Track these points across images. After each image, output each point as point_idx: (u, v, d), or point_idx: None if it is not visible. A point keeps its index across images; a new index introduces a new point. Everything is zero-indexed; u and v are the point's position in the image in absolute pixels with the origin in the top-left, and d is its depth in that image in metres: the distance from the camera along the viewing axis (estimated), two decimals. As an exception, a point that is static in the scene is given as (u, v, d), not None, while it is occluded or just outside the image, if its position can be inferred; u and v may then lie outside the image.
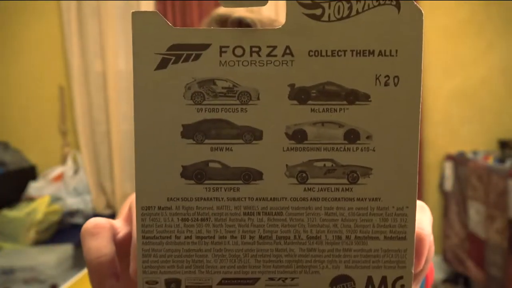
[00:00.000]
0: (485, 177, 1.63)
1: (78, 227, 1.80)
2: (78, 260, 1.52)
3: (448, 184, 1.93)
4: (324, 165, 0.17)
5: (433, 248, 0.20)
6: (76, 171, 1.99)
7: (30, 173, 1.98)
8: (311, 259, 0.17)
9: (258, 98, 0.17)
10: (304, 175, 0.17)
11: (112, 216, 2.05)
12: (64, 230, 1.78)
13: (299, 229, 0.17)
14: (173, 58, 0.16)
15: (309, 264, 0.17)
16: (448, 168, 1.94)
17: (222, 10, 0.52)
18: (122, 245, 0.21)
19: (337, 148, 0.17)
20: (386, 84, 0.17)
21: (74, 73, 2.02)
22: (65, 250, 1.52)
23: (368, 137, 0.17)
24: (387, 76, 0.17)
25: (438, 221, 2.08)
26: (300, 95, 0.16)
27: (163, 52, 0.16)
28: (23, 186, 1.85)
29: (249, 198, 0.17)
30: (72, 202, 1.83)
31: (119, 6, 2.02)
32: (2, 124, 2.09)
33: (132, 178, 2.03)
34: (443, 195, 2.01)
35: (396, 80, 0.17)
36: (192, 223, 0.17)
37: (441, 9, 2.02)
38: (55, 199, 1.79)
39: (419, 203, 0.19)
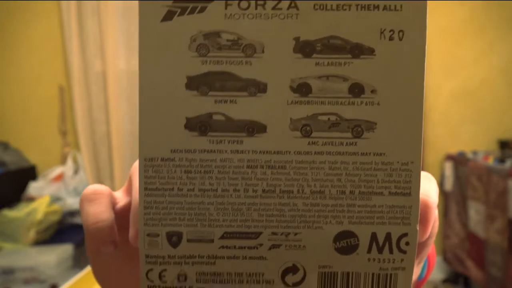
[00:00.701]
0: (485, 177, 1.62)
1: (78, 227, 1.80)
2: (78, 260, 1.52)
3: (448, 184, 1.93)
4: (329, 119, 0.17)
5: (437, 224, 0.20)
6: (76, 171, 1.99)
7: (30, 173, 1.98)
8: (314, 214, 0.17)
9: (263, 51, 0.16)
10: (308, 128, 0.17)
11: (112, 216, 2.05)
12: (64, 230, 1.78)
13: (302, 183, 0.17)
14: (179, 10, 0.16)
15: (313, 219, 0.17)
16: (448, 168, 1.94)
17: None
18: (121, 216, 0.20)
19: (341, 102, 0.17)
20: (390, 39, 0.16)
21: (74, 73, 2.02)
22: (65, 250, 1.52)
23: (372, 91, 0.16)
24: (392, 30, 0.16)
25: (438, 221, 2.08)
26: (305, 48, 0.16)
27: (169, 4, 0.16)
28: (23, 186, 1.85)
29: (252, 151, 0.17)
30: (72, 202, 1.83)
31: (119, 5, 2.02)
32: (2, 124, 2.09)
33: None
34: (443, 195, 2.01)
35: (401, 34, 0.16)
36: (195, 175, 0.17)
37: (441, 9, 2.01)
38: (55, 199, 1.79)
39: (425, 174, 0.19)
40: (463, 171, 1.82)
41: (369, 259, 0.17)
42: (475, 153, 1.90)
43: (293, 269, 0.17)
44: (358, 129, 0.16)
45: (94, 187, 0.20)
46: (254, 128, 0.16)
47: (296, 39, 0.16)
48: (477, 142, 2.03)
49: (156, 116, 0.16)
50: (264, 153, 0.17)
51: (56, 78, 2.08)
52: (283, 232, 0.17)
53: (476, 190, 1.70)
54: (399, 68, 0.16)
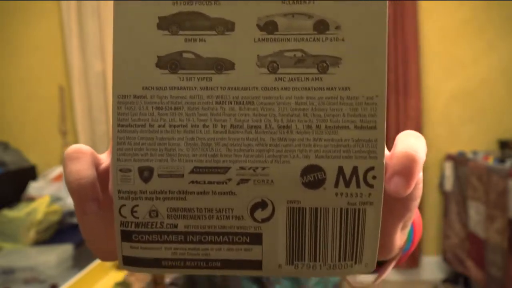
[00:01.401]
0: (485, 177, 1.63)
1: (78, 227, 1.80)
2: (78, 260, 1.52)
3: (448, 184, 1.93)
4: (294, 55, 0.17)
5: (421, 186, 0.19)
6: (76, 171, 1.99)
7: (30, 173, 1.98)
8: (281, 149, 0.17)
9: None
10: (275, 65, 0.17)
11: (112, 216, 2.05)
12: (64, 230, 1.78)
13: (269, 118, 0.17)
14: None
15: (280, 153, 0.17)
16: (448, 168, 1.94)
17: None
18: (104, 176, 0.20)
19: (306, 38, 0.17)
20: None
21: (74, 73, 2.02)
22: (65, 250, 1.52)
23: (337, 27, 0.17)
24: None
25: (438, 221, 2.08)
26: None
27: None
28: (23, 186, 1.85)
29: (221, 87, 0.17)
30: (72, 202, 1.83)
31: (119, 6, 2.02)
32: (2, 124, 2.09)
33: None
34: (443, 195, 2.01)
35: None
36: (165, 111, 0.17)
37: (441, 9, 2.02)
38: (55, 199, 1.79)
39: (413, 132, 0.19)
40: (463, 171, 1.82)
41: (336, 194, 0.17)
42: (475, 153, 1.90)
43: (262, 205, 0.17)
44: (323, 64, 0.17)
45: (77, 146, 0.20)
46: (223, 65, 0.17)
47: None
48: (477, 142, 2.03)
49: (128, 55, 0.17)
50: (232, 89, 0.17)
51: (56, 78, 2.08)
52: (251, 166, 0.17)
53: (476, 190, 1.70)
54: (362, 4, 0.16)
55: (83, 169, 0.19)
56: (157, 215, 0.17)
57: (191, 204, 0.17)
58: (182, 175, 0.17)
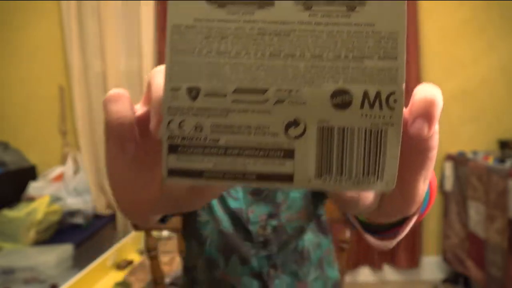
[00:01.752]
0: (485, 177, 1.63)
1: (78, 227, 1.81)
2: (78, 260, 1.52)
3: (448, 184, 1.93)
4: None
5: (437, 137, 0.21)
6: (76, 171, 1.99)
7: (30, 173, 1.98)
8: (313, 75, 0.19)
9: None
10: (309, 2, 0.19)
11: (113, 216, 2.05)
12: (64, 230, 1.78)
13: (304, 48, 0.19)
14: None
15: (312, 79, 0.19)
16: (448, 168, 1.94)
17: None
18: (139, 124, 0.22)
19: None
20: None
21: (74, 73, 2.02)
22: (65, 250, 1.52)
23: None
24: None
25: (438, 221, 2.08)
26: None
27: None
28: (23, 186, 1.85)
29: (262, 21, 0.19)
30: (72, 202, 1.83)
31: (119, 5, 2.02)
32: (2, 124, 2.09)
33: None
34: (443, 195, 2.01)
35: None
36: (213, 40, 0.19)
37: (441, 9, 2.02)
38: (55, 199, 1.79)
39: (432, 85, 0.21)
40: (463, 171, 1.82)
41: (361, 115, 0.19)
42: (475, 153, 1.90)
43: (295, 123, 0.19)
44: (351, 3, 0.19)
45: (117, 90, 0.22)
46: (264, 1, 0.19)
47: None
48: (477, 142, 2.03)
49: None
50: (271, 23, 0.19)
51: (56, 78, 2.09)
52: (287, 89, 0.19)
53: (476, 190, 1.70)
54: None
55: (124, 109, 0.21)
56: (201, 130, 0.19)
57: (232, 121, 0.19)
58: (225, 95, 0.19)
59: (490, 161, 1.67)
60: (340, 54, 0.19)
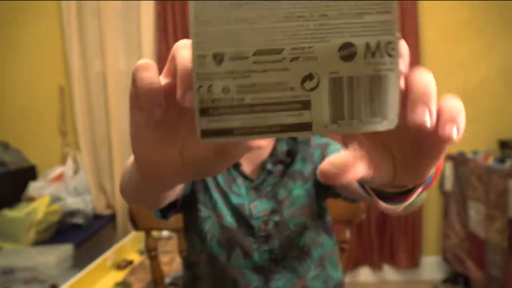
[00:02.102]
0: (485, 177, 1.63)
1: (78, 227, 1.81)
2: (78, 260, 1.52)
3: (448, 184, 1.93)
4: None
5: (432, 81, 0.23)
6: (76, 171, 1.99)
7: (30, 173, 1.98)
8: (322, 32, 0.21)
9: None
10: None
11: (113, 216, 2.05)
12: (64, 230, 1.78)
13: (312, 9, 0.21)
14: None
15: (321, 35, 0.21)
16: (448, 168, 1.94)
17: None
18: (164, 93, 0.23)
19: None
20: None
21: (74, 73, 2.02)
22: (65, 250, 1.52)
23: None
24: None
25: (438, 221, 2.08)
26: None
27: None
28: (23, 186, 1.85)
29: None
30: (72, 202, 1.83)
31: (119, 5, 2.02)
32: (2, 124, 2.09)
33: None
34: (443, 195, 2.01)
35: None
36: (232, 8, 0.21)
37: (441, 9, 2.02)
38: (55, 199, 1.79)
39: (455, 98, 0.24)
40: (463, 171, 1.82)
41: (365, 64, 0.21)
42: (475, 153, 1.90)
43: (309, 77, 0.21)
44: None
45: (147, 60, 0.24)
46: None
47: None
48: (477, 142, 2.03)
49: None
50: None
51: (56, 78, 2.09)
52: (300, 46, 0.21)
53: (476, 190, 1.70)
54: None
55: (154, 76, 0.23)
56: (228, 92, 0.21)
57: (254, 81, 0.21)
58: (247, 57, 0.21)
59: (490, 161, 1.67)
60: (343, 12, 0.21)
